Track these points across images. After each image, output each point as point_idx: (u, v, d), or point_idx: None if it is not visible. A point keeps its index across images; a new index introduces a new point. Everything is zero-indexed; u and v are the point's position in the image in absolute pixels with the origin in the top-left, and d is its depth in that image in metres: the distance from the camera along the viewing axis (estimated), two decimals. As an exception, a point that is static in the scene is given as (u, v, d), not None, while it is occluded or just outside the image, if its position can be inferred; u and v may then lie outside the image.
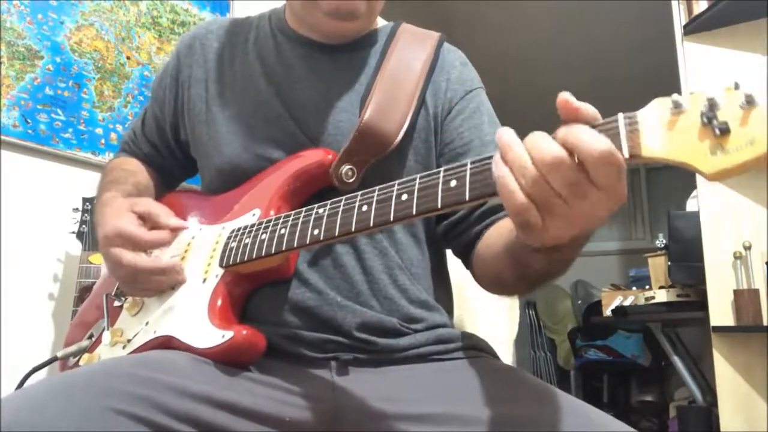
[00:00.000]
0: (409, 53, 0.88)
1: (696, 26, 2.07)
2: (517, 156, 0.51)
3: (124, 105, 1.89)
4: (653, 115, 0.49)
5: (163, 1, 2.03)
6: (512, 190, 0.51)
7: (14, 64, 1.66)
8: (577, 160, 0.49)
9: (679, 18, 2.14)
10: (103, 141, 1.82)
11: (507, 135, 0.54)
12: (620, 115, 0.51)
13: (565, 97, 0.51)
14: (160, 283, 0.80)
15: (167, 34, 2.02)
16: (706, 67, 2.07)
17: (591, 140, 0.48)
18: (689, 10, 2.10)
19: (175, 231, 0.82)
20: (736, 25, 2.04)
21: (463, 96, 0.89)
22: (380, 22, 0.95)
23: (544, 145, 0.50)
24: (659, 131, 0.49)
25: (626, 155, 0.49)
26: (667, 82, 2.62)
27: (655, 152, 0.49)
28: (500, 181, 0.52)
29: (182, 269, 0.80)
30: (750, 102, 0.45)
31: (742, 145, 0.45)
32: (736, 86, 0.46)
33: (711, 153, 0.46)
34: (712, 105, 0.46)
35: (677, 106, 0.48)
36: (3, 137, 1.61)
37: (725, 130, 0.45)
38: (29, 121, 1.67)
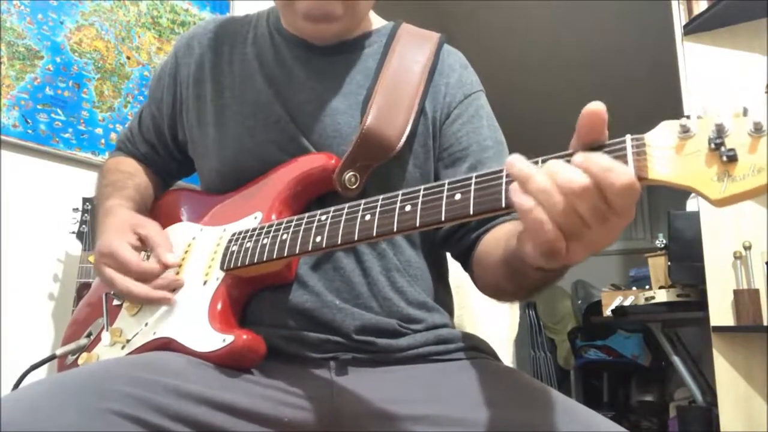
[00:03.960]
0: (410, 55, 0.87)
1: (696, 26, 2.07)
2: (543, 186, 0.50)
3: (124, 105, 1.89)
4: (661, 138, 0.49)
5: (163, 1, 2.03)
6: (542, 221, 0.50)
7: (14, 64, 1.66)
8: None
9: (679, 18, 2.14)
10: (103, 141, 1.82)
11: (521, 164, 0.52)
12: (628, 137, 0.51)
13: (599, 108, 0.50)
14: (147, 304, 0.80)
15: (167, 34, 2.02)
16: (706, 67, 2.07)
17: (614, 171, 0.48)
18: (689, 10, 2.10)
19: (167, 267, 0.79)
20: (736, 25, 2.04)
21: (462, 100, 0.88)
22: (378, 22, 0.94)
23: (569, 173, 0.49)
24: (666, 155, 0.49)
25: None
26: (667, 82, 2.62)
27: (661, 176, 0.49)
28: (529, 214, 0.51)
29: (172, 298, 0.78)
30: (758, 129, 0.45)
31: (749, 172, 0.45)
32: (745, 112, 0.46)
33: (718, 179, 0.46)
34: (720, 131, 0.46)
35: (685, 130, 0.48)
36: (3, 137, 1.61)
37: (733, 157, 0.45)
38: (29, 121, 1.67)
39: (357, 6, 0.84)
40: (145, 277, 0.78)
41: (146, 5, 1.98)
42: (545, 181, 0.50)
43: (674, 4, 2.16)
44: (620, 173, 0.48)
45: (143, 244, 0.81)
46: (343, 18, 0.83)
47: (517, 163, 0.52)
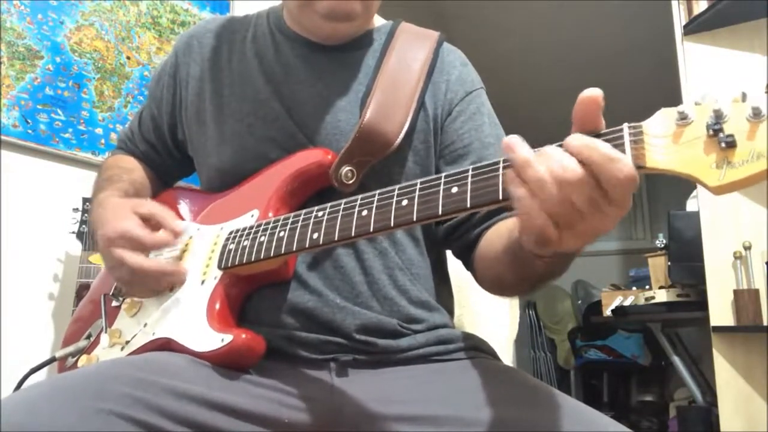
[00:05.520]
0: (409, 53, 0.87)
1: (696, 26, 2.07)
2: (538, 175, 0.50)
3: (124, 105, 1.89)
4: (659, 125, 0.49)
5: (163, 1, 2.03)
6: (533, 210, 0.50)
7: (14, 64, 1.66)
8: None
9: (679, 18, 2.14)
10: (103, 141, 1.82)
11: (522, 150, 0.51)
12: (625, 126, 0.50)
13: (594, 94, 0.50)
14: (162, 285, 0.80)
15: (167, 34, 2.02)
16: (706, 67, 2.07)
17: (618, 162, 0.47)
18: (689, 10, 2.10)
19: (178, 235, 0.81)
20: (736, 25, 2.04)
21: (464, 97, 0.88)
22: (378, 21, 0.95)
23: (566, 162, 0.49)
24: (664, 143, 0.48)
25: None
26: (667, 82, 2.62)
27: (659, 164, 0.48)
28: (520, 202, 0.51)
29: (185, 272, 0.79)
30: (757, 114, 0.44)
31: (748, 158, 0.44)
32: (744, 97, 0.45)
33: (716, 166, 0.45)
34: (718, 117, 0.46)
35: (683, 117, 0.48)
36: (3, 137, 1.61)
37: (731, 144, 0.45)
38: (29, 121, 1.67)
39: (373, 5, 0.86)
40: (159, 247, 0.80)
41: (146, 5, 1.98)
42: (541, 170, 0.50)
43: (674, 4, 2.16)
44: (623, 164, 0.47)
45: (147, 222, 0.82)
46: (360, 16, 0.85)
47: (517, 147, 0.51)
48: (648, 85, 3.90)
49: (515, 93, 4.08)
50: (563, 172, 0.49)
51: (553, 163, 0.49)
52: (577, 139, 0.50)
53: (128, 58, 1.91)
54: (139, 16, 1.96)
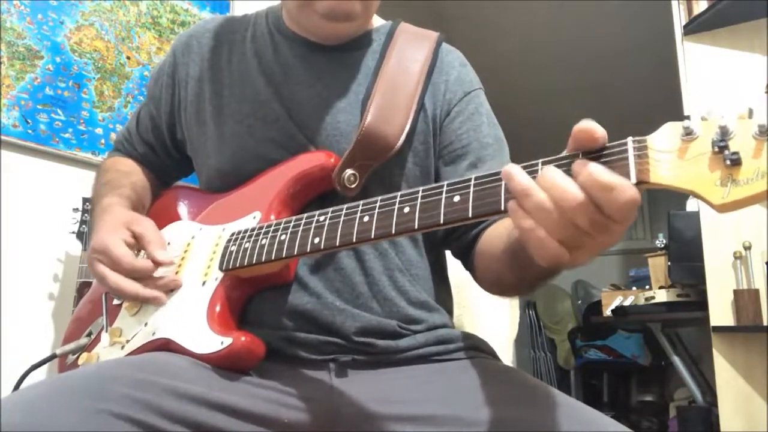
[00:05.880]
0: (408, 54, 0.87)
1: (696, 26, 2.07)
2: (540, 203, 0.49)
3: (124, 105, 1.89)
4: (663, 140, 0.48)
5: (163, 1, 2.03)
6: (543, 239, 0.50)
7: (14, 64, 1.66)
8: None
9: (679, 18, 2.14)
10: (103, 141, 1.82)
11: (519, 177, 0.51)
12: (629, 140, 0.50)
13: (591, 126, 0.50)
14: (140, 303, 0.79)
15: (167, 34, 2.02)
16: (706, 67, 2.07)
17: (615, 190, 0.47)
18: (689, 10, 2.10)
19: (159, 265, 0.79)
20: (736, 25, 2.04)
21: (462, 98, 0.88)
22: (377, 21, 0.95)
23: (566, 187, 0.49)
24: (669, 158, 0.47)
25: (634, 181, 0.48)
26: (667, 82, 2.62)
27: (663, 179, 0.47)
28: (529, 234, 0.51)
29: (164, 299, 0.77)
30: (763, 132, 0.44)
31: (753, 177, 0.43)
32: (750, 114, 0.45)
33: (721, 184, 0.45)
34: (724, 133, 0.45)
35: (689, 132, 0.47)
36: (3, 137, 1.61)
37: (737, 161, 0.44)
38: (29, 121, 1.67)
39: (373, 5, 0.86)
40: (137, 275, 0.78)
41: (146, 5, 1.98)
42: (542, 198, 0.49)
43: (674, 4, 2.16)
44: (621, 191, 0.47)
45: (137, 242, 0.81)
46: (360, 17, 0.84)
47: (516, 175, 0.51)
48: (648, 85, 3.90)
49: (515, 93, 4.08)
50: (562, 196, 0.48)
51: (553, 188, 0.49)
52: (576, 165, 0.49)
53: (128, 58, 1.91)
54: (139, 16, 1.96)
